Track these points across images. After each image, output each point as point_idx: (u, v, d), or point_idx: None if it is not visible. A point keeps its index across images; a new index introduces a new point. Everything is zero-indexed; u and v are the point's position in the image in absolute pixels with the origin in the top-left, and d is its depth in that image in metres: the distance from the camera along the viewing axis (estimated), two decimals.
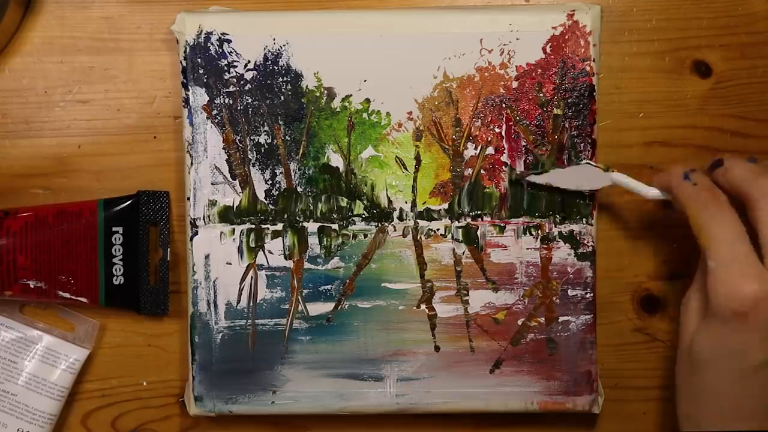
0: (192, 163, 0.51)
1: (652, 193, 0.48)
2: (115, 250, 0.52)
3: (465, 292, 0.51)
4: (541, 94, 0.51)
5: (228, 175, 0.51)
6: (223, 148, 0.51)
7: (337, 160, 0.51)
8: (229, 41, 0.50)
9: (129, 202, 0.52)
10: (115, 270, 0.52)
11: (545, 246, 0.51)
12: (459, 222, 0.51)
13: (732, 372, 0.41)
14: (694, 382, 0.42)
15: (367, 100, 0.51)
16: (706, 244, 0.43)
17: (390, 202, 0.51)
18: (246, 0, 0.53)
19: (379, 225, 0.51)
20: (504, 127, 0.51)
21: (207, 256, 0.51)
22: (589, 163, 0.50)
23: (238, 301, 0.51)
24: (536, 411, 0.52)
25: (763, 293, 0.40)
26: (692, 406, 0.44)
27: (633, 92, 0.53)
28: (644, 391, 0.54)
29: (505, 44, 0.50)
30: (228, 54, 0.51)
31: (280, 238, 0.51)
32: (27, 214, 0.51)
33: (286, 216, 0.51)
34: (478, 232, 0.51)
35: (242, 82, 0.51)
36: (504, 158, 0.51)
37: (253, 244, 0.51)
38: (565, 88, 0.51)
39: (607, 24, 0.52)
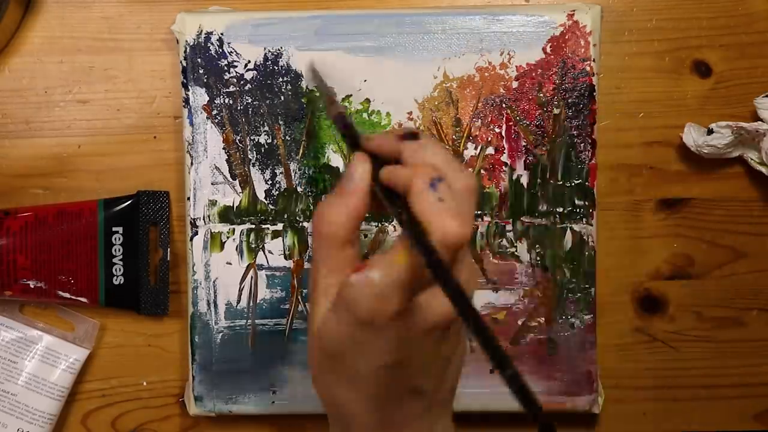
0: (192, 163, 0.51)
1: None
2: (115, 250, 0.52)
3: None
4: (541, 94, 0.51)
5: (228, 175, 0.51)
6: (223, 148, 0.51)
7: (337, 160, 0.51)
8: (229, 41, 0.50)
9: (129, 202, 0.52)
10: (115, 270, 0.52)
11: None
12: None
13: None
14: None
15: (367, 100, 0.51)
16: None
17: None
18: (246, 0, 0.53)
19: (379, 225, 0.51)
20: (504, 127, 0.51)
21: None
22: None
23: (238, 301, 0.51)
24: None
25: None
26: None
27: (633, 92, 0.53)
28: (644, 391, 0.54)
29: (505, 44, 0.50)
30: (228, 54, 0.51)
31: (280, 238, 0.51)
32: (27, 214, 0.51)
33: (286, 216, 0.51)
34: (478, 232, 0.51)
35: (242, 82, 0.51)
36: (504, 158, 0.51)
37: (253, 244, 0.51)
38: (565, 88, 0.51)
39: (607, 24, 0.52)
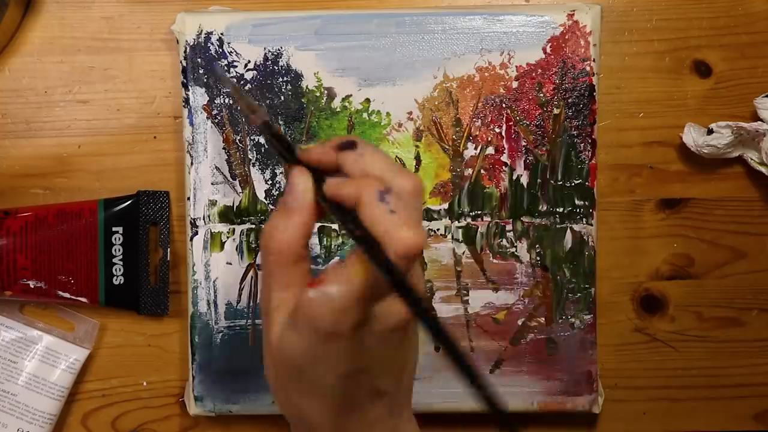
0: (192, 163, 0.51)
1: None
2: (115, 250, 0.52)
3: (465, 292, 0.51)
4: (541, 94, 0.51)
5: (228, 175, 0.51)
6: (223, 148, 0.51)
7: None
8: (229, 41, 0.50)
9: (129, 202, 0.52)
10: (115, 270, 0.52)
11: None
12: (459, 222, 0.51)
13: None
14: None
15: (367, 100, 0.51)
16: None
17: None
18: (246, 0, 0.53)
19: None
20: (504, 127, 0.51)
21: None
22: None
23: (238, 301, 0.51)
24: (536, 411, 0.52)
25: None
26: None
27: (633, 92, 0.53)
28: (644, 391, 0.54)
29: (505, 44, 0.50)
30: (228, 54, 0.51)
31: None
32: (27, 214, 0.51)
33: None
34: (478, 232, 0.51)
35: (242, 82, 0.51)
36: (504, 158, 0.51)
37: (253, 244, 0.51)
38: (565, 88, 0.51)
39: (607, 24, 0.52)
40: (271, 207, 0.51)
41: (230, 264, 0.51)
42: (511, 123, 0.51)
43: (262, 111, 0.39)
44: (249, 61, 0.51)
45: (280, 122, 0.51)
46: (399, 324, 0.35)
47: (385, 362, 0.37)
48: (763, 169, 0.52)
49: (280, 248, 0.36)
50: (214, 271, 0.51)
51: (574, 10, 0.50)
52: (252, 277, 0.51)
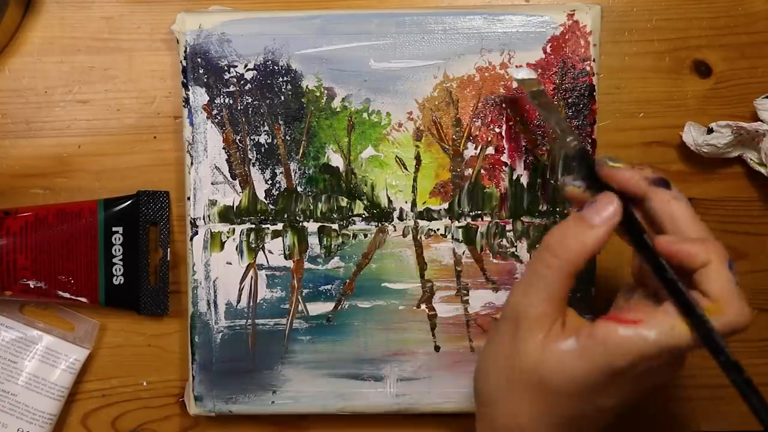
0: (192, 163, 0.51)
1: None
2: (115, 250, 0.52)
3: (465, 292, 0.51)
4: None
5: (228, 175, 0.51)
6: (223, 148, 0.51)
7: (337, 160, 0.51)
8: (229, 41, 0.50)
9: (129, 202, 0.52)
10: (115, 270, 0.52)
11: None
12: (459, 222, 0.51)
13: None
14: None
15: (367, 100, 0.51)
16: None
17: (390, 201, 0.51)
18: (246, 0, 0.53)
19: (379, 225, 0.51)
20: (504, 127, 0.51)
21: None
22: None
23: (238, 301, 0.51)
24: None
25: None
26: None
27: (633, 92, 0.53)
28: None
29: (505, 44, 0.50)
30: (228, 54, 0.51)
31: (280, 238, 0.51)
32: (27, 214, 0.51)
33: (286, 216, 0.51)
34: (478, 232, 0.51)
35: (242, 82, 0.51)
36: (504, 158, 0.51)
37: (253, 244, 0.51)
38: (565, 88, 0.51)
39: (607, 24, 0.52)
40: (271, 207, 0.51)
41: (230, 264, 0.51)
42: (511, 123, 0.51)
43: (575, 135, 0.41)
44: (249, 61, 0.51)
45: (280, 122, 0.51)
46: (667, 381, 0.36)
47: (624, 407, 0.37)
48: (762, 170, 0.52)
49: (569, 256, 0.35)
50: (214, 271, 0.51)
51: (574, 10, 0.50)
52: (252, 277, 0.51)
